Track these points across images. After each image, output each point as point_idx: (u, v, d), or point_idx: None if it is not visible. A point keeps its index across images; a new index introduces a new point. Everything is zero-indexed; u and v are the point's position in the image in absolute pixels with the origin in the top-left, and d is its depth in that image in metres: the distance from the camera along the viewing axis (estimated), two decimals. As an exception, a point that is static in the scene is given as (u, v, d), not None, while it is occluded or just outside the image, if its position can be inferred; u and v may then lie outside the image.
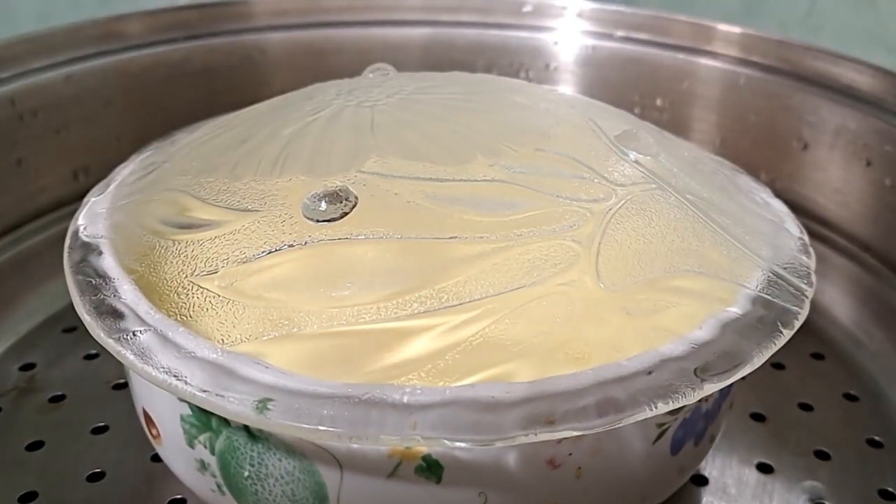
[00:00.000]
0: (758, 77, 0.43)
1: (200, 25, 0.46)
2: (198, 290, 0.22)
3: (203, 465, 0.23)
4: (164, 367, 0.20)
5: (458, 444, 0.19)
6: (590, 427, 0.19)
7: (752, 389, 0.33)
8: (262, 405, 0.19)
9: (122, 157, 0.31)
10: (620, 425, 0.19)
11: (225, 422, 0.22)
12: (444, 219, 0.23)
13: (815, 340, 0.37)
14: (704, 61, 0.45)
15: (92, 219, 0.26)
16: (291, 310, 0.21)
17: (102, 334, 0.21)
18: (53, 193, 0.40)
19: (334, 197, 0.23)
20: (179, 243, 0.24)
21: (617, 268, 0.22)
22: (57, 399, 0.33)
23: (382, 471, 0.21)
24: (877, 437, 0.32)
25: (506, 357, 0.20)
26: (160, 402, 0.23)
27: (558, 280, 0.22)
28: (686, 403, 0.20)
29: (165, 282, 0.23)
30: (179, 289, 0.23)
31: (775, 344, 0.22)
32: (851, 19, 0.60)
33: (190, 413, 0.22)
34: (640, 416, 0.19)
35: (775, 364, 0.35)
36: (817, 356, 0.36)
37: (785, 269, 0.24)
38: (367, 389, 0.19)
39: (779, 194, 0.30)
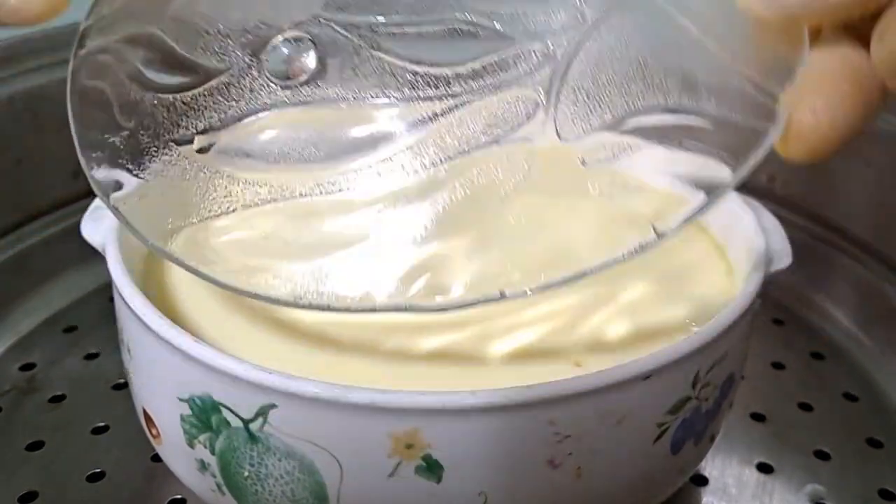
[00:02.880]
0: (758, 77, 0.43)
1: (200, 25, 0.46)
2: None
3: (203, 465, 0.23)
4: None
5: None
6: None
7: (752, 389, 0.33)
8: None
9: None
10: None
11: (225, 422, 0.22)
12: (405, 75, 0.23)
13: (815, 340, 0.37)
14: (704, 61, 0.45)
15: None
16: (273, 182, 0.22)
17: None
18: (53, 193, 0.40)
19: (295, 48, 0.23)
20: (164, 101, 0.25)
21: (576, 115, 0.22)
22: (57, 399, 0.33)
23: (382, 471, 0.21)
24: (877, 437, 0.32)
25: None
26: (160, 402, 0.23)
27: (519, 133, 0.22)
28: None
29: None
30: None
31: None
32: (851, 19, 0.60)
33: (190, 413, 0.22)
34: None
35: (775, 364, 0.35)
36: (817, 356, 0.36)
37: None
38: None
39: (779, 194, 0.30)
